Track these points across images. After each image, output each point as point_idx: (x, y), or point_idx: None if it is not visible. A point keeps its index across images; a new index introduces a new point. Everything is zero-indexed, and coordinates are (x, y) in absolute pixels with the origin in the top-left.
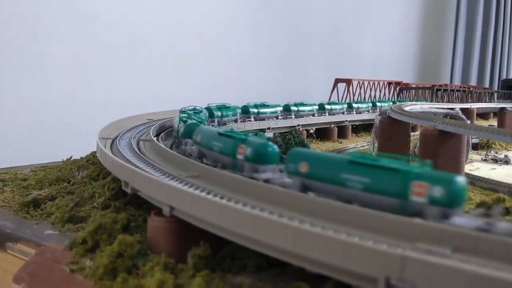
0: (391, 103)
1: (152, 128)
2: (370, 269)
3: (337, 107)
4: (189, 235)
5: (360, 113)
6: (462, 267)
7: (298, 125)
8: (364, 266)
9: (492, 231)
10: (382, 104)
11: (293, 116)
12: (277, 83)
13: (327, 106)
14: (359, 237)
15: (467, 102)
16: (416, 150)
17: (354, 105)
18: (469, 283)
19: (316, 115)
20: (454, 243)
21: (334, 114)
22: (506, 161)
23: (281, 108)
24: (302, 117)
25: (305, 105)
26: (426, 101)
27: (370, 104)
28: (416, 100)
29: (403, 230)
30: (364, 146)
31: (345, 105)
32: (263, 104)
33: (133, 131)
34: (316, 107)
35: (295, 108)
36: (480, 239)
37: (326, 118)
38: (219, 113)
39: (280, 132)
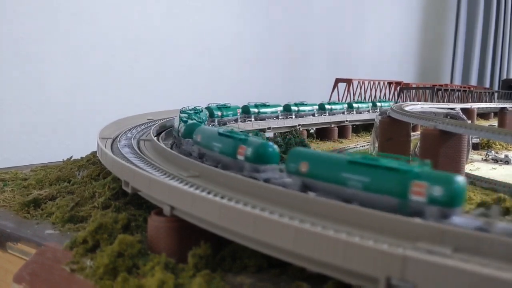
0: (392, 103)
1: (153, 127)
2: (371, 269)
3: (338, 107)
4: (189, 234)
5: (360, 113)
6: (463, 267)
7: (298, 125)
8: (365, 266)
9: (491, 231)
10: (383, 104)
11: (293, 116)
12: (277, 83)
13: (328, 106)
14: (360, 237)
15: (467, 102)
16: (416, 150)
17: (355, 105)
18: (470, 283)
19: (316, 115)
20: (454, 243)
21: (334, 114)
22: (506, 161)
23: (281, 108)
24: (302, 117)
25: (306, 105)
26: (427, 101)
27: (370, 104)
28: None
29: (404, 229)
30: (364, 146)
31: (346, 105)
32: (264, 104)
33: (133, 131)
34: (316, 107)
35: (296, 108)
36: (480, 239)
37: (326, 118)
38: (219, 113)
39: (280, 132)
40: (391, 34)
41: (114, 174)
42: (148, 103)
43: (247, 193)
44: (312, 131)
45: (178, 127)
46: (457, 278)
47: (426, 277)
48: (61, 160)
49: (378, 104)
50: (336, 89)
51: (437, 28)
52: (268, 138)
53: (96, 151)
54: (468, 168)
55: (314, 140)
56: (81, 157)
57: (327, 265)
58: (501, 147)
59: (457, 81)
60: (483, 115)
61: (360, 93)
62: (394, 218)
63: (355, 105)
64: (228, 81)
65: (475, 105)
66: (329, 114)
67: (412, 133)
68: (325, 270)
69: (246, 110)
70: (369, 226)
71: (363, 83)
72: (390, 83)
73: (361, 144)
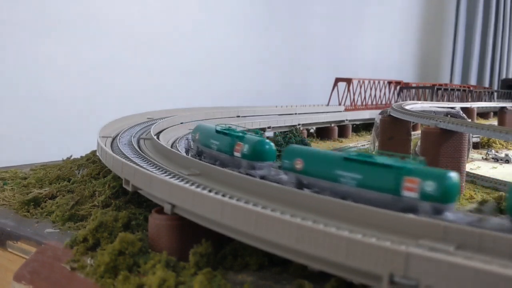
0: None
1: (153, 126)
2: (374, 266)
3: None
4: (190, 233)
5: None
6: (466, 264)
7: (299, 124)
8: (368, 263)
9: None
10: None
11: None
12: (277, 82)
13: None
14: (362, 234)
15: (467, 101)
16: (417, 149)
17: None
18: (472, 280)
19: None
20: (457, 240)
21: None
22: (506, 160)
23: None
24: None
25: None
26: (427, 101)
27: None
28: None
29: (406, 227)
30: (364, 145)
31: None
32: None
33: (133, 129)
34: None
35: None
36: (483, 236)
37: (326, 117)
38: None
39: (281, 131)
40: (390, 34)
41: (115, 173)
42: (148, 102)
43: (248, 191)
44: (312, 130)
45: (243, 148)
46: (460, 275)
47: (429, 274)
48: (61, 159)
49: None
50: (336, 88)
51: (436, 28)
52: (268, 138)
53: (96, 150)
54: (469, 167)
55: (314, 139)
56: (81, 156)
57: (329, 262)
58: (501, 146)
59: (457, 81)
60: (483, 114)
61: (360, 93)
62: (396, 216)
63: None
64: (228, 81)
65: (475, 104)
66: None
67: (412, 132)
68: (327, 268)
69: None
70: (371, 224)
71: (363, 82)
72: (390, 83)
73: (361, 143)
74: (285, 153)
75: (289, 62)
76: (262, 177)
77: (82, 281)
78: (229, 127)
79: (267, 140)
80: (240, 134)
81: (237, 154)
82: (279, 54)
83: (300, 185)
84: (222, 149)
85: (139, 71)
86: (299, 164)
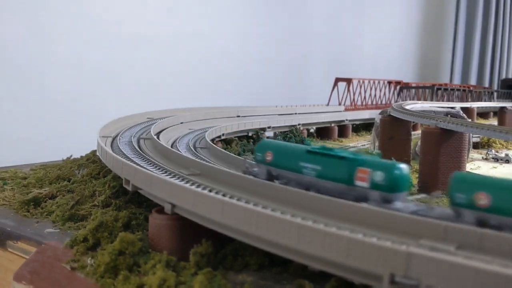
0: None
1: (153, 126)
2: (375, 266)
3: None
4: (191, 232)
5: None
6: (466, 264)
7: (299, 124)
8: (368, 263)
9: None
10: None
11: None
12: (277, 82)
13: None
14: (363, 234)
15: (467, 101)
16: (417, 149)
17: None
18: (473, 280)
19: None
20: (458, 240)
21: None
22: (506, 160)
23: None
24: None
25: None
26: (426, 101)
27: None
28: None
29: (407, 227)
30: (364, 145)
31: None
32: None
33: (133, 129)
34: None
35: None
36: (484, 236)
37: (326, 117)
38: None
39: (281, 131)
40: (390, 34)
41: (115, 173)
42: (148, 102)
43: (248, 191)
44: (312, 130)
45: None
46: (461, 274)
47: (430, 274)
48: (61, 159)
49: None
50: (336, 88)
51: (436, 27)
52: (268, 137)
53: (96, 150)
54: (469, 167)
55: (314, 139)
56: (81, 156)
57: (329, 262)
58: (501, 146)
59: (457, 81)
60: (483, 114)
61: (360, 93)
62: (397, 216)
63: None
64: (228, 81)
65: (475, 104)
66: None
67: (412, 132)
68: (328, 268)
69: None
70: (372, 224)
71: (363, 82)
72: (390, 83)
73: (361, 143)
74: (457, 184)
75: (289, 62)
76: (414, 213)
77: (82, 281)
78: (323, 146)
79: (399, 164)
80: (358, 156)
81: (361, 183)
82: (279, 54)
83: (482, 225)
84: (330, 176)
85: (139, 71)
86: (483, 200)
